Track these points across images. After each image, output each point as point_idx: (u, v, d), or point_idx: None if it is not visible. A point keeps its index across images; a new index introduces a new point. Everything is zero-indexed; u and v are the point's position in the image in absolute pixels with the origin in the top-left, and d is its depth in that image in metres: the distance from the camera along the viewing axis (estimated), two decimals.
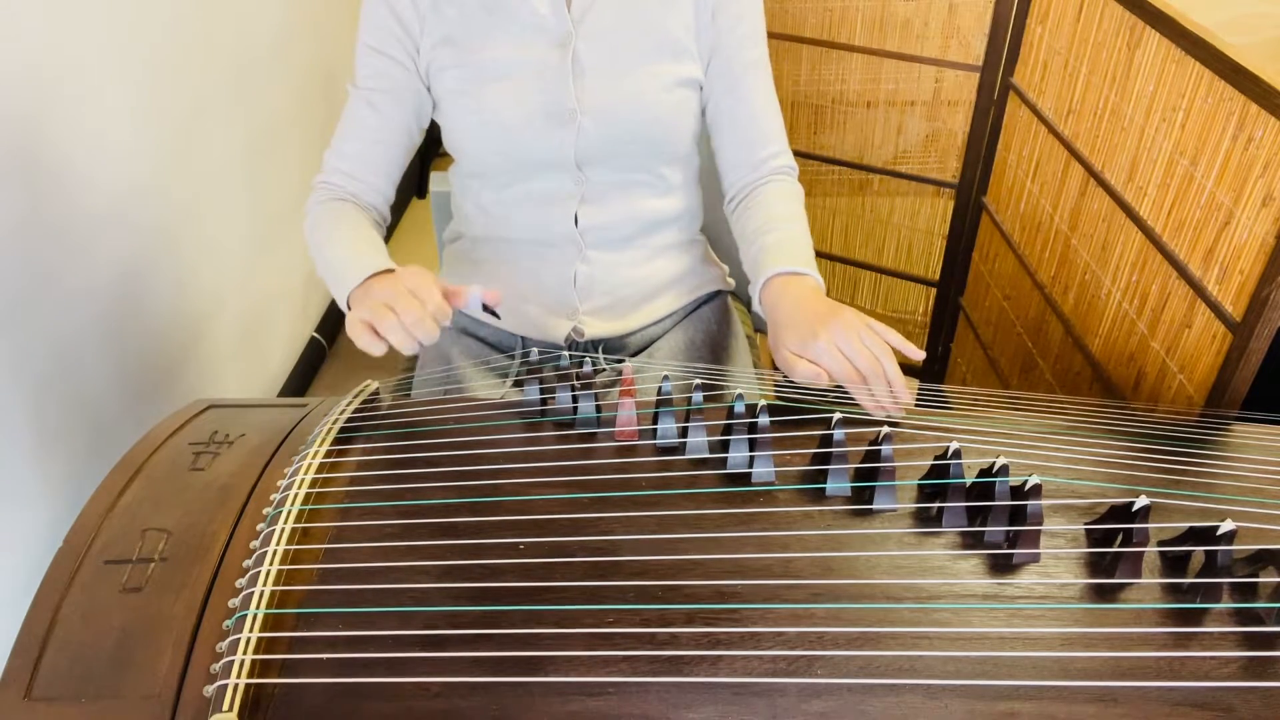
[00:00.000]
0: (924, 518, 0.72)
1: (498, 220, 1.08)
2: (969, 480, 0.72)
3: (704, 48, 1.02)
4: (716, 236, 1.25)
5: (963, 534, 0.70)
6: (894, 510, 0.72)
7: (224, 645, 0.61)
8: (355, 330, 0.80)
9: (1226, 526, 0.65)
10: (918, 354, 0.82)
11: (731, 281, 1.22)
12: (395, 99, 0.99)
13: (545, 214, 1.05)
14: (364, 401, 0.86)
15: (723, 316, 1.17)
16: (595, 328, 1.09)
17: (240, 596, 0.64)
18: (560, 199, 1.04)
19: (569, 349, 1.10)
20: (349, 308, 0.87)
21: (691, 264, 1.16)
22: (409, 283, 0.80)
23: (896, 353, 0.82)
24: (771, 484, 0.75)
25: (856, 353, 0.80)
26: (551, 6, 0.96)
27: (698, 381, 0.79)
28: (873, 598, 0.65)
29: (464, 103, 0.98)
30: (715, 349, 1.14)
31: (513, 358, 1.10)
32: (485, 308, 0.86)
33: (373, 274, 0.86)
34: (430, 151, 2.84)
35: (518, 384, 0.87)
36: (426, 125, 1.05)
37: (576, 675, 0.59)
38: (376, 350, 0.79)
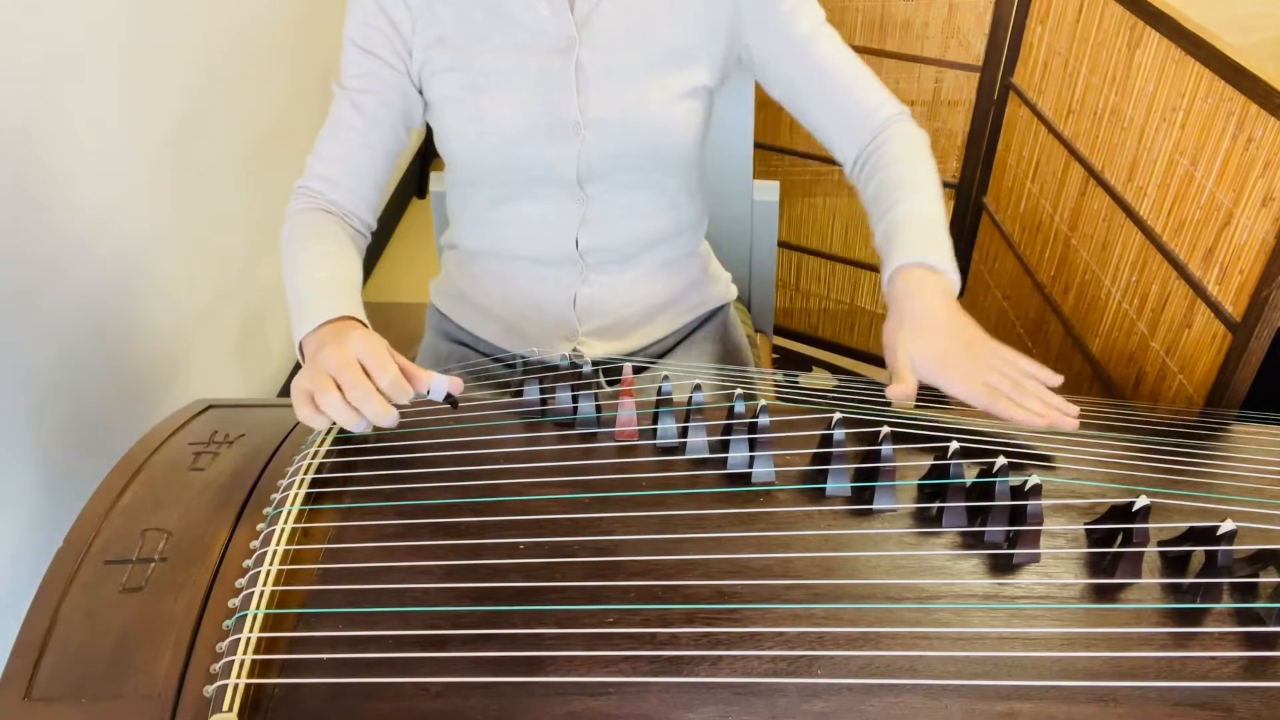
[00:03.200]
0: (924, 518, 0.72)
1: (494, 234, 1.04)
2: (969, 480, 0.72)
3: (718, 51, 0.97)
4: (719, 241, 1.24)
5: (963, 534, 0.70)
6: (894, 510, 0.72)
7: (224, 645, 0.61)
8: (296, 399, 0.73)
9: (1226, 526, 0.65)
10: (1055, 378, 0.80)
11: (734, 289, 1.20)
12: (382, 101, 0.93)
13: (544, 234, 1.01)
14: None
15: (725, 326, 1.16)
16: (595, 348, 1.06)
17: (240, 596, 0.64)
18: (560, 219, 1.00)
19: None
20: (302, 355, 0.80)
21: (694, 278, 1.12)
22: (359, 350, 0.72)
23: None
24: (771, 484, 0.75)
25: (996, 379, 0.78)
26: (552, 9, 0.91)
27: (698, 381, 0.79)
28: (873, 598, 0.65)
29: (461, 110, 0.94)
30: (718, 359, 1.12)
31: (511, 367, 1.09)
32: (448, 396, 0.77)
33: (329, 320, 0.79)
34: (431, 151, 2.84)
35: (517, 393, 0.85)
36: (417, 128, 1.00)
37: (577, 675, 0.59)
38: (317, 424, 0.72)
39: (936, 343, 0.79)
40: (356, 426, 0.72)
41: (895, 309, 0.84)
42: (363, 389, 0.71)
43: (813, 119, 1.00)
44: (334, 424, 0.81)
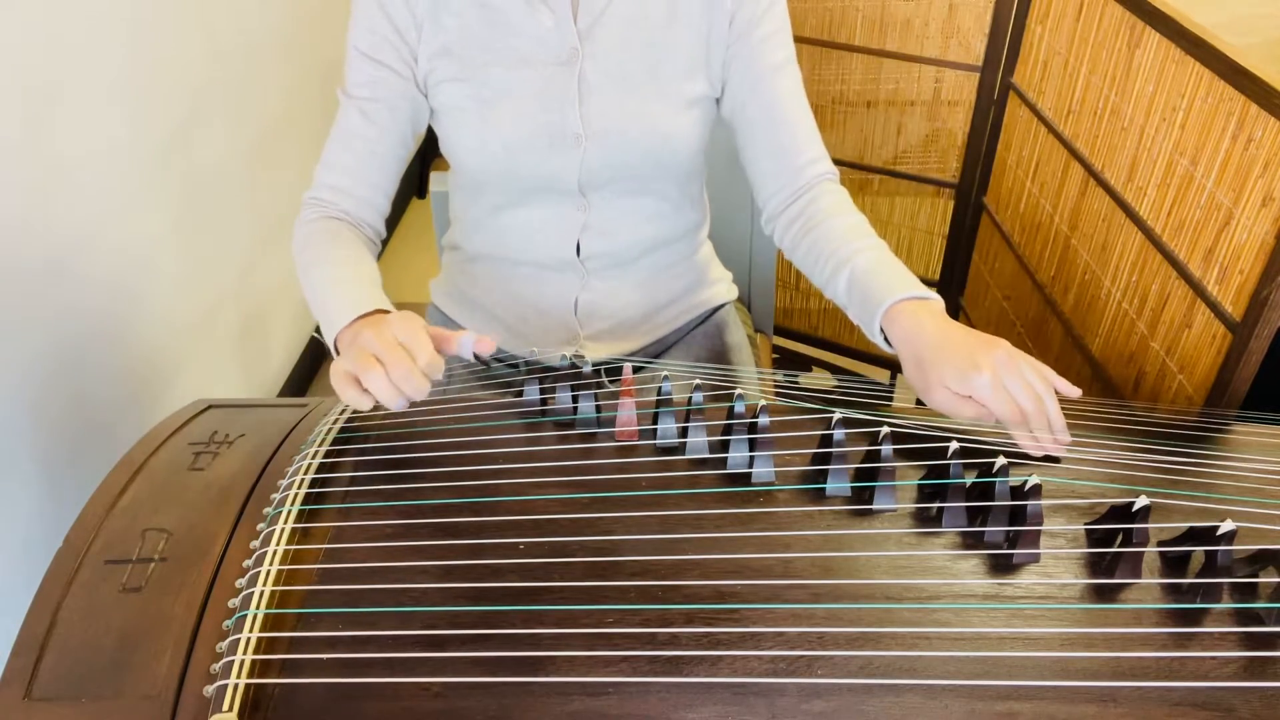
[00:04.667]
0: (924, 518, 0.72)
1: (496, 238, 1.04)
2: (969, 480, 0.72)
3: (716, 60, 0.95)
4: (720, 241, 1.24)
5: (963, 534, 0.70)
6: (894, 510, 0.72)
7: (224, 645, 0.61)
8: (339, 382, 0.74)
9: (1226, 526, 0.65)
10: (1074, 391, 0.78)
11: (734, 289, 1.19)
12: (389, 108, 0.92)
13: (546, 240, 1.01)
14: None
15: (725, 325, 1.16)
16: (597, 351, 1.07)
17: (240, 596, 0.64)
18: (561, 225, 1.00)
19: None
20: (336, 351, 0.81)
21: (695, 280, 1.12)
22: (398, 332, 0.73)
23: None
24: (771, 484, 0.75)
25: (1020, 389, 0.74)
26: (556, 21, 0.91)
27: (698, 381, 0.79)
28: (873, 598, 0.65)
29: (464, 120, 0.93)
30: (717, 355, 1.13)
31: (513, 367, 1.09)
32: (476, 356, 0.79)
33: (361, 315, 0.80)
34: (431, 151, 2.84)
35: (517, 393, 0.85)
36: (423, 133, 0.99)
37: (577, 675, 0.59)
38: (363, 404, 0.73)
39: (962, 358, 0.76)
40: (397, 404, 0.73)
41: (906, 352, 0.82)
42: (405, 368, 0.71)
43: (750, 151, 0.99)
44: (346, 410, 0.82)
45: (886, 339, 0.85)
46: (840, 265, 0.90)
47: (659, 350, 1.13)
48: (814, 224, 0.94)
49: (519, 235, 1.02)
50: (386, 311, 0.81)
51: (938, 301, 0.84)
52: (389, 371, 0.71)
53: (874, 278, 0.86)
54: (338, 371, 0.74)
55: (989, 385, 0.74)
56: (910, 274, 0.86)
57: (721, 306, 1.17)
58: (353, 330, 0.79)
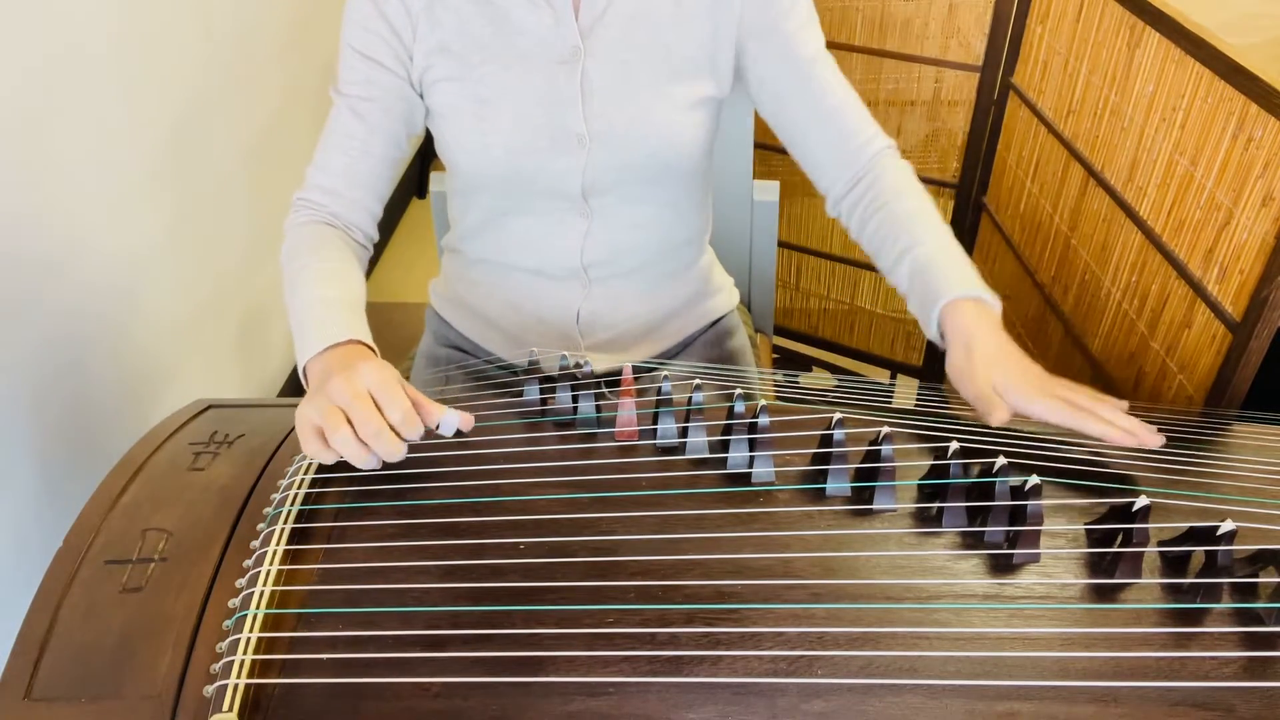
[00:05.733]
0: (924, 518, 0.72)
1: (496, 244, 1.02)
2: (969, 480, 0.72)
3: (724, 61, 0.94)
4: (720, 241, 1.23)
5: (963, 534, 0.70)
6: (894, 510, 0.72)
7: (224, 645, 0.61)
8: (304, 432, 0.69)
9: (1226, 526, 0.65)
10: (1155, 440, 0.77)
11: (736, 294, 1.18)
12: (383, 108, 0.90)
13: (548, 248, 0.99)
14: None
15: (727, 332, 1.15)
16: (598, 362, 1.04)
17: (240, 596, 0.64)
18: (564, 232, 0.98)
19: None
20: (304, 379, 0.77)
21: (698, 288, 1.11)
22: (371, 383, 0.69)
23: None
24: (771, 484, 0.75)
25: (1071, 396, 0.78)
26: (556, 18, 0.89)
27: (698, 381, 0.79)
28: (873, 598, 0.65)
29: (463, 121, 0.91)
30: (718, 361, 1.12)
31: (506, 368, 1.08)
32: (457, 432, 0.75)
33: (334, 344, 0.76)
34: (431, 151, 2.83)
35: (517, 393, 0.85)
36: (419, 134, 0.97)
37: (577, 675, 0.59)
38: (325, 459, 0.69)
39: (1012, 370, 0.78)
40: (366, 463, 0.70)
41: (959, 340, 0.82)
42: (375, 425, 0.68)
43: (802, 143, 0.98)
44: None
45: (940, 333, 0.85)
46: (903, 253, 0.89)
47: (664, 358, 1.13)
48: (878, 206, 0.93)
49: (520, 242, 1.00)
50: (362, 342, 0.78)
51: (995, 305, 0.84)
52: (358, 429, 0.68)
53: (934, 270, 0.86)
54: (303, 419, 0.70)
55: (1050, 407, 0.76)
56: (971, 268, 0.86)
57: (724, 316, 1.16)
58: (323, 364, 0.75)
